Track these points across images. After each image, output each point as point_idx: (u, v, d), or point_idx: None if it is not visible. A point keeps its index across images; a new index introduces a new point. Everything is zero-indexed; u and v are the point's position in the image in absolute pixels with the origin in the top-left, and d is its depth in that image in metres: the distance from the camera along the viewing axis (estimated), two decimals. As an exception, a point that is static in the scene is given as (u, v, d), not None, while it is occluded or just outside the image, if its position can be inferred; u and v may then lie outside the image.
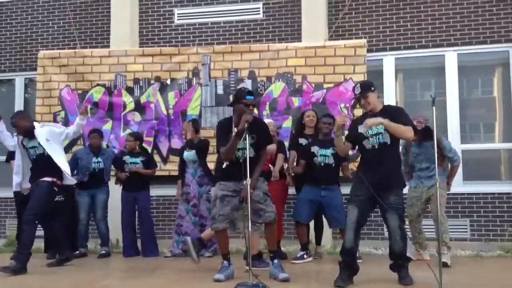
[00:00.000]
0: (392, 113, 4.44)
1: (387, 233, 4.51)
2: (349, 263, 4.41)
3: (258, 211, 4.65)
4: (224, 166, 4.75)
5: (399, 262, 4.44)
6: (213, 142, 7.30)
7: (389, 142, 4.39)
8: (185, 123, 6.80)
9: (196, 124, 6.76)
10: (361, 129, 4.47)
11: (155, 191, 7.26)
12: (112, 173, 7.03)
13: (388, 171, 4.36)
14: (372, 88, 4.50)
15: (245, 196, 4.48)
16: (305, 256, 5.90)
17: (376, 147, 4.40)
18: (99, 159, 6.74)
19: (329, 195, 5.81)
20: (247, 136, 4.46)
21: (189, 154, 6.49)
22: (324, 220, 6.14)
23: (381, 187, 4.30)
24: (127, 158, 6.73)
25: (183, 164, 6.59)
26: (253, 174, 4.61)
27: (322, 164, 5.83)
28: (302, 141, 6.18)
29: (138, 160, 6.70)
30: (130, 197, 6.63)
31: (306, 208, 5.83)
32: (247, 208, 4.38)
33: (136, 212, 6.76)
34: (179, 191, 6.56)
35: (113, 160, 6.85)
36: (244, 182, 4.53)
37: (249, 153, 4.62)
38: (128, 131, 7.57)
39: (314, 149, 5.88)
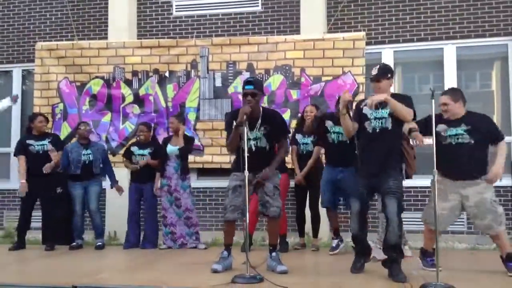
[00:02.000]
0: (398, 98, 4.33)
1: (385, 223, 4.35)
2: (358, 249, 4.51)
3: (265, 203, 4.65)
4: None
5: (392, 255, 4.24)
6: (210, 134, 7.43)
7: (390, 127, 4.31)
8: (175, 119, 6.62)
9: (183, 118, 6.87)
10: (365, 110, 4.39)
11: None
12: (121, 165, 7.07)
13: (387, 155, 4.29)
14: (389, 75, 4.43)
15: (263, 177, 4.56)
16: (339, 244, 5.80)
17: (377, 131, 4.33)
18: (89, 151, 6.68)
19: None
20: (245, 128, 4.44)
21: (174, 149, 6.47)
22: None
23: (380, 171, 4.26)
24: (135, 150, 6.71)
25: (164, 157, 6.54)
26: (270, 166, 4.65)
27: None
28: (298, 137, 6.19)
29: (146, 152, 6.65)
30: (137, 188, 6.64)
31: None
32: (245, 199, 4.40)
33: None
34: (158, 184, 6.54)
35: (124, 152, 6.85)
36: (233, 175, 4.67)
37: (261, 143, 4.65)
38: (127, 123, 7.58)
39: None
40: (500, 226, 4.50)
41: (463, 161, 4.49)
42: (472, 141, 4.49)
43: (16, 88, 8.48)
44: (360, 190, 4.40)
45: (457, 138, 4.53)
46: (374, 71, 4.40)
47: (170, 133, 6.84)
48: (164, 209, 6.50)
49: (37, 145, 6.50)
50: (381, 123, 4.31)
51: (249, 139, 4.59)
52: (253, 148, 4.65)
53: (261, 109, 4.77)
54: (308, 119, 6.00)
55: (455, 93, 4.70)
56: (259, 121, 4.68)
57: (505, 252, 4.48)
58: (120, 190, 6.77)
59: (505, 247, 4.50)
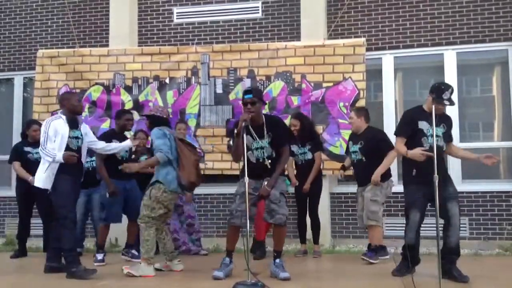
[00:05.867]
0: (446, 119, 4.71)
1: (443, 226, 4.48)
2: (411, 258, 4.59)
3: (270, 211, 4.64)
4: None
5: (453, 257, 4.44)
6: (211, 141, 7.42)
7: (442, 145, 4.62)
8: (185, 125, 6.72)
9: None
10: (421, 125, 4.57)
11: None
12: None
13: (446, 167, 4.80)
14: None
15: (263, 193, 4.60)
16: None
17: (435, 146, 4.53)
18: (92, 158, 6.68)
19: None
20: (244, 135, 4.46)
21: None
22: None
23: (443, 180, 4.39)
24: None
25: None
26: (274, 173, 4.66)
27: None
28: (294, 148, 6.16)
29: (143, 158, 6.54)
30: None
31: None
32: (245, 206, 4.38)
33: None
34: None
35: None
36: (241, 181, 4.59)
37: (266, 152, 4.68)
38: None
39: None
40: (372, 221, 5.50)
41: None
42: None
43: (17, 96, 8.51)
44: (421, 198, 4.50)
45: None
46: (447, 95, 4.48)
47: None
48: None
49: (36, 153, 6.48)
50: (438, 141, 4.46)
51: (256, 149, 4.67)
52: (262, 156, 4.69)
53: (263, 117, 4.79)
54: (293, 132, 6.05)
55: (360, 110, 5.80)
56: (264, 129, 4.70)
57: (371, 242, 5.64)
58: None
59: (373, 239, 5.60)
